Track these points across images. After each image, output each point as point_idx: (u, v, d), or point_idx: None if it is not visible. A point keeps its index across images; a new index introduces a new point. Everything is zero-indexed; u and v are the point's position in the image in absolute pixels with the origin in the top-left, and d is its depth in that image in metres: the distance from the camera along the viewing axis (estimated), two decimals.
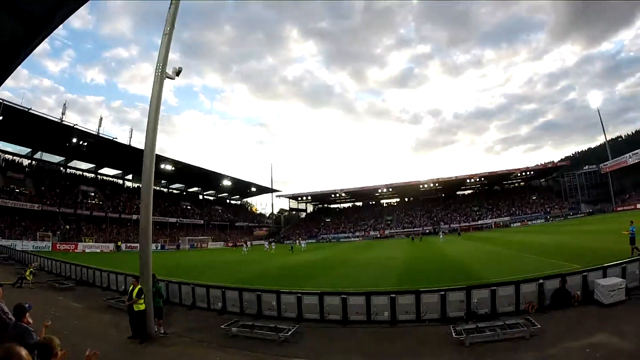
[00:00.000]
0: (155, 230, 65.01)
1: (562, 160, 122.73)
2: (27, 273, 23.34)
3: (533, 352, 9.33)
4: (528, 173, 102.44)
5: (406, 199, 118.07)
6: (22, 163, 67.96)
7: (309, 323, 13.18)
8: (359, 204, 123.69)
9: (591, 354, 8.62)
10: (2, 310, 5.98)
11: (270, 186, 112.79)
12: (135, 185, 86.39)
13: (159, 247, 67.58)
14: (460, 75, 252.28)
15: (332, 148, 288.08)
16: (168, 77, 13.54)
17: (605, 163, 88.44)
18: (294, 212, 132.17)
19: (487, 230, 79.33)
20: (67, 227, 61.13)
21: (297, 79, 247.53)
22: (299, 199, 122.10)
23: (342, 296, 13.30)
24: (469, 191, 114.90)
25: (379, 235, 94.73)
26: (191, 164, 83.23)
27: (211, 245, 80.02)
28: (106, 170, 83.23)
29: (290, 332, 11.78)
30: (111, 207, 72.31)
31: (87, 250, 55.19)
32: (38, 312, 9.50)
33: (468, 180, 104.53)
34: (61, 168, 74.72)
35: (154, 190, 14.52)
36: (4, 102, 46.55)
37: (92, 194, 72.32)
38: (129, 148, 68.78)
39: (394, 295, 12.80)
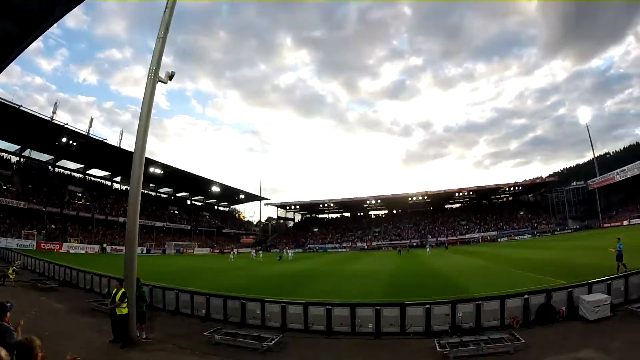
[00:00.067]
0: (141, 233, 64.62)
1: (550, 175, 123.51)
2: (10, 271, 23.19)
3: None
4: (516, 188, 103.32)
5: (394, 211, 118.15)
6: (10, 160, 67.61)
7: (293, 333, 13.11)
8: (347, 214, 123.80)
9: None
10: None
11: (259, 194, 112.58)
12: (124, 187, 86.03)
13: (145, 251, 67.09)
14: (451, 89, 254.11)
15: (323, 158, 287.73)
16: (161, 81, 13.50)
17: (593, 179, 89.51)
18: (281, 221, 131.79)
19: (475, 245, 79.45)
20: (53, 226, 60.60)
21: (289, 87, 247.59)
22: (288, 207, 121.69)
23: (327, 307, 13.25)
24: (457, 205, 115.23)
25: (366, 247, 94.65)
26: (180, 168, 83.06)
27: (197, 251, 79.62)
28: (95, 171, 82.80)
29: (273, 342, 11.69)
30: (98, 209, 71.81)
31: (71, 251, 54.70)
32: (19, 311, 9.38)
33: (457, 194, 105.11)
34: (49, 167, 74.26)
35: (142, 193, 14.41)
36: None
37: (80, 195, 71.94)
38: (118, 150, 68.44)
39: (379, 307, 12.78)
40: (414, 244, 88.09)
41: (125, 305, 11.92)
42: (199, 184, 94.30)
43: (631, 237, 22.70)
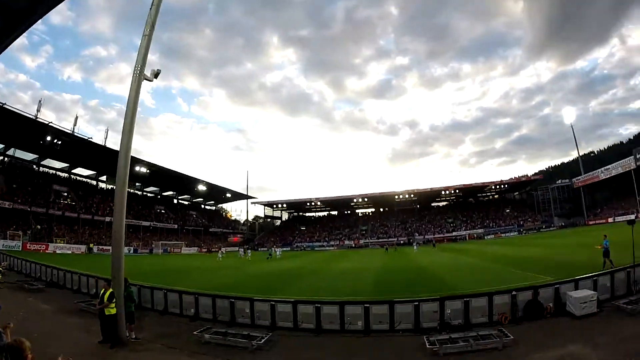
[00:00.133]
0: (128, 233, 64.16)
1: (535, 174, 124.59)
2: None
3: None
4: (502, 186, 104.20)
5: (381, 209, 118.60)
6: None
7: (283, 331, 13.11)
8: (334, 213, 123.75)
9: None
10: None
11: (245, 193, 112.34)
12: (110, 186, 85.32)
13: (132, 251, 66.57)
14: (437, 88, 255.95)
15: (309, 156, 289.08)
16: (146, 79, 13.40)
17: (578, 178, 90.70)
18: (269, 220, 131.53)
19: (461, 242, 79.96)
20: (39, 227, 59.91)
21: (275, 85, 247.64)
22: (275, 206, 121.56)
23: (316, 305, 13.26)
24: (444, 203, 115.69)
25: (353, 245, 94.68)
26: (166, 167, 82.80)
27: (185, 251, 79.32)
28: (80, 171, 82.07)
29: (263, 340, 11.72)
30: (84, 208, 71.20)
31: (58, 251, 54.05)
32: (6, 313, 9.30)
33: (443, 192, 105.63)
34: (34, 166, 73.46)
35: (128, 192, 14.35)
36: None
37: (65, 194, 71.20)
38: (104, 149, 68.00)
39: (367, 305, 12.83)
40: (402, 241, 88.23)
41: (113, 305, 11.85)
42: (185, 182, 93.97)
43: (616, 234, 22.89)
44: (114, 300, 11.88)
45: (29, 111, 59.46)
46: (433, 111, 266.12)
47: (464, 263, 32.41)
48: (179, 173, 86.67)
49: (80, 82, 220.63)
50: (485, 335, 10.90)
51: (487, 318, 12.55)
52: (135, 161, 68.66)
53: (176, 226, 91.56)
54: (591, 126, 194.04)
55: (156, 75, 13.77)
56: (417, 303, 12.67)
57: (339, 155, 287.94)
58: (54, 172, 77.25)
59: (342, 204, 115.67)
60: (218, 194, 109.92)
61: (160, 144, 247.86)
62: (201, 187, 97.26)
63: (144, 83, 13.44)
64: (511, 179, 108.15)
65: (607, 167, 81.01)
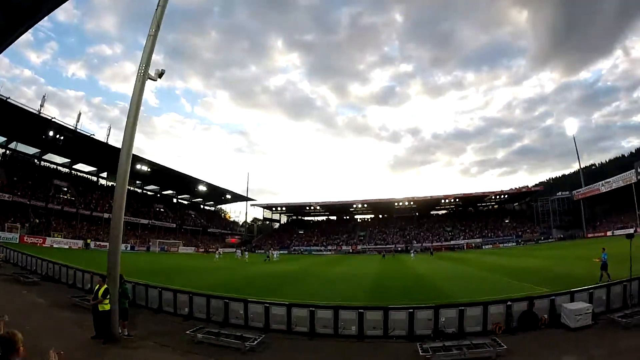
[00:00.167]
0: (126, 230, 63.97)
1: (536, 185, 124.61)
2: None
3: None
4: (502, 196, 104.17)
5: (380, 216, 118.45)
6: None
7: (276, 334, 13.12)
8: (333, 218, 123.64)
9: None
10: None
11: (245, 194, 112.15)
12: (110, 183, 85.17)
13: (129, 248, 66.45)
14: (440, 96, 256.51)
15: (310, 160, 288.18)
16: (150, 79, 13.46)
17: (578, 190, 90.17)
18: (267, 222, 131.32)
19: (459, 251, 79.77)
20: (37, 220, 59.89)
21: (279, 89, 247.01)
22: (274, 209, 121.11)
23: (310, 309, 13.27)
24: (443, 211, 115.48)
25: (351, 251, 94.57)
26: (167, 166, 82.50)
27: (182, 250, 79.11)
28: (81, 166, 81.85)
29: (256, 342, 11.71)
30: (83, 204, 71.12)
31: (55, 246, 53.90)
32: (0, 306, 9.30)
33: (443, 201, 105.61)
34: (36, 160, 73.13)
35: (128, 190, 14.32)
36: None
37: (65, 189, 71.13)
38: (106, 146, 67.82)
39: (362, 311, 12.83)
40: (399, 248, 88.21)
41: (107, 301, 11.88)
42: (185, 182, 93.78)
43: (614, 247, 22.88)
44: (109, 296, 11.90)
45: (33, 106, 59.63)
46: (436, 119, 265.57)
47: (460, 272, 32.42)
48: (180, 173, 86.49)
49: (85, 80, 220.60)
50: (479, 344, 10.90)
51: (481, 327, 12.55)
52: (137, 159, 68.49)
53: (174, 225, 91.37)
54: (593, 138, 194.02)
55: (160, 75, 13.81)
56: (411, 310, 12.69)
57: (341, 161, 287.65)
58: (55, 167, 77.16)
59: (341, 209, 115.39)
60: (218, 194, 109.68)
61: (163, 144, 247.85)
62: (201, 188, 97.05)
63: (148, 82, 13.50)
64: (511, 189, 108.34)
65: (608, 180, 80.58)
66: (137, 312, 15.59)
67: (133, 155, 13.76)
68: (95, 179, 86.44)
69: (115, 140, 70.63)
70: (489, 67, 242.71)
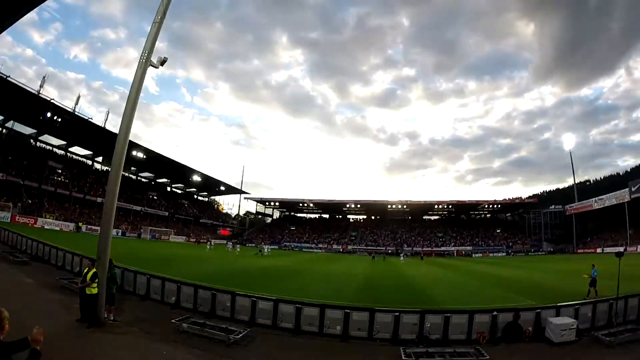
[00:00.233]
0: (118, 216, 63.94)
1: (529, 197, 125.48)
2: None
3: None
4: (495, 206, 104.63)
5: (373, 217, 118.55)
6: None
7: (261, 328, 13.14)
8: (326, 216, 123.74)
9: None
10: None
11: (239, 187, 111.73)
12: (104, 168, 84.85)
13: (120, 234, 66.31)
14: (441, 102, 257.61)
15: (307, 158, 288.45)
16: (152, 66, 13.47)
17: (571, 205, 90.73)
18: (259, 216, 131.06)
19: (449, 257, 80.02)
20: (30, 201, 59.67)
21: (280, 84, 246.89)
22: (267, 203, 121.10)
23: (297, 305, 13.29)
24: (436, 217, 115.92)
25: (341, 250, 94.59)
26: (163, 154, 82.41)
27: (173, 239, 78.64)
28: (77, 149, 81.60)
29: (240, 335, 11.74)
30: (77, 187, 70.95)
31: (46, 227, 53.76)
32: None
33: (436, 206, 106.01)
34: (32, 140, 72.92)
35: (122, 176, 14.36)
36: None
37: (60, 171, 70.95)
38: (103, 130, 67.61)
39: (348, 311, 12.86)
40: (389, 251, 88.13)
41: (95, 285, 11.89)
42: (180, 171, 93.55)
43: (604, 265, 23.02)
44: (97, 280, 11.90)
45: (33, 86, 58.97)
46: (434, 125, 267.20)
47: (449, 278, 32.55)
48: (175, 161, 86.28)
49: (87, 63, 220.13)
50: (462, 353, 10.96)
51: (465, 335, 12.56)
52: (133, 145, 68.50)
53: (167, 214, 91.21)
54: (590, 154, 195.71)
55: (162, 62, 13.83)
56: (397, 314, 12.70)
57: (337, 160, 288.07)
58: (50, 148, 76.87)
59: (334, 208, 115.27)
60: (212, 185, 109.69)
61: (160, 132, 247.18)
62: (196, 178, 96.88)
63: (150, 69, 13.51)
64: (505, 199, 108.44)
65: (601, 197, 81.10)
66: (124, 298, 15.60)
67: (129, 141, 13.75)
68: (90, 163, 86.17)
69: (113, 125, 70.36)
70: (491, 77, 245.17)
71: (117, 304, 13.52)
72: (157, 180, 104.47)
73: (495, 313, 12.92)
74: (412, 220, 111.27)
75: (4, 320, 3.97)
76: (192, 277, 20.33)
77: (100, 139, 69.21)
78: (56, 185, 66.88)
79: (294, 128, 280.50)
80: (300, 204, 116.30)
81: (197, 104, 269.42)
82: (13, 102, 56.02)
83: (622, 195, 74.46)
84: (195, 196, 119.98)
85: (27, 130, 70.80)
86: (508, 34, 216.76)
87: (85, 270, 12.29)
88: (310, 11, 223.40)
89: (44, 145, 75.76)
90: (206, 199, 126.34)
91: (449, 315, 12.74)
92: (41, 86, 59.87)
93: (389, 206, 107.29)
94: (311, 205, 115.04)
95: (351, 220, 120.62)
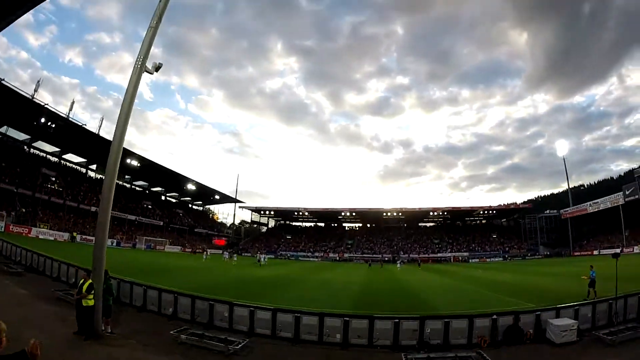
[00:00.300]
0: (112, 225, 63.62)
1: (524, 202, 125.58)
2: None
3: None
4: (491, 212, 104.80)
5: (369, 225, 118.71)
6: None
7: (260, 338, 13.01)
8: (322, 224, 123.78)
9: None
10: None
11: (234, 196, 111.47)
12: (99, 176, 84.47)
13: (115, 244, 65.80)
14: (435, 110, 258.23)
15: (301, 166, 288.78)
16: (147, 71, 13.37)
17: (566, 209, 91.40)
18: (255, 225, 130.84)
19: (446, 264, 79.85)
20: (23, 209, 59.23)
21: (274, 92, 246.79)
22: (262, 212, 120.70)
23: (296, 314, 13.19)
24: (431, 224, 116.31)
25: (337, 258, 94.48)
26: (158, 162, 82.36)
27: (168, 249, 78.44)
28: (71, 157, 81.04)
29: (240, 345, 11.64)
30: (71, 196, 70.45)
31: (40, 236, 53.31)
32: None
33: (431, 213, 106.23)
34: (25, 147, 72.26)
35: (117, 184, 14.25)
36: None
37: (53, 179, 70.30)
38: (97, 137, 67.32)
39: (347, 319, 12.77)
40: (386, 258, 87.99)
41: (91, 297, 11.72)
42: (175, 180, 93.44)
43: (600, 266, 23.08)
44: (93, 291, 11.74)
45: (27, 90, 58.70)
46: (428, 133, 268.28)
47: (447, 284, 32.54)
48: (170, 170, 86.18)
49: (81, 67, 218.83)
50: (463, 357, 10.99)
51: (466, 340, 12.58)
52: (127, 153, 68.31)
53: (162, 223, 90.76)
54: (583, 160, 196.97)
55: (157, 68, 13.74)
56: (397, 320, 12.66)
57: (331, 168, 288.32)
58: (44, 155, 76.20)
59: (329, 216, 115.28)
60: (207, 194, 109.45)
61: (154, 139, 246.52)
62: (190, 187, 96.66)
63: (144, 75, 13.40)
64: (500, 205, 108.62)
65: (596, 200, 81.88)
66: (121, 310, 15.42)
67: (124, 149, 13.65)
68: (84, 170, 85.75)
69: (107, 132, 70.07)
70: (484, 85, 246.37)
71: (114, 316, 13.37)
72: (152, 189, 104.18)
73: (495, 317, 12.98)
74: (407, 227, 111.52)
75: (1, 333, 3.88)
76: (190, 287, 20.18)
77: (94, 146, 68.77)
78: (50, 194, 66.24)
79: (288, 136, 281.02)
80: (296, 213, 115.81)
81: (192, 111, 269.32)
82: (7, 107, 55.18)
83: (616, 199, 75.24)
84: (190, 205, 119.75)
85: (21, 136, 70.09)
86: (501, 43, 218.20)
87: (81, 282, 12.12)
88: (306, 18, 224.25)
89: (37, 152, 75.14)
90: (201, 208, 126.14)
91: (448, 320, 12.75)
92: (36, 90, 59.63)
93: (385, 214, 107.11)
94: (306, 213, 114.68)
95: (347, 228, 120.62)
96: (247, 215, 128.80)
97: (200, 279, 28.47)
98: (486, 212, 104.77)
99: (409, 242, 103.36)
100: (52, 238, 55.13)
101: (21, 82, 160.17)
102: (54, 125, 59.62)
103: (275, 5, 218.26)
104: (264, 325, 13.37)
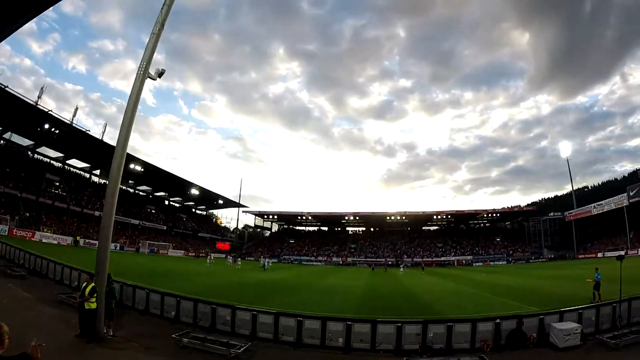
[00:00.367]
0: (116, 230, 63.75)
1: (528, 205, 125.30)
2: None
3: None
4: (494, 215, 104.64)
5: (372, 229, 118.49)
6: None
7: (262, 342, 12.99)
8: (325, 228, 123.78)
9: None
10: None
11: (238, 201, 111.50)
12: (102, 181, 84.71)
13: (118, 248, 66.06)
14: (438, 113, 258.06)
15: (305, 170, 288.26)
16: (150, 78, 13.41)
17: (570, 211, 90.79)
18: (258, 230, 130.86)
19: (450, 267, 80.00)
20: (27, 214, 59.43)
21: (277, 97, 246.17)
22: (265, 217, 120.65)
23: (298, 318, 13.15)
24: (435, 227, 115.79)
25: (341, 262, 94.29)
26: (161, 167, 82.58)
27: (171, 253, 78.62)
28: (74, 162, 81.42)
29: (242, 349, 11.61)
30: (74, 200, 70.71)
31: (44, 240, 53.49)
32: None
33: (435, 217, 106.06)
34: (29, 152, 72.57)
35: (120, 189, 14.25)
36: None
37: (57, 184, 70.67)
38: (100, 143, 67.58)
39: (350, 323, 12.75)
40: (389, 262, 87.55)
41: (94, 300, 11.74)
42: (178, 185, 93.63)
43: (605, 269, 22.96)
44: (95, 294, 11.76)
45: (30, 97, 58.86)
46: (431, 136, 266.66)
47: (450, 288, 32.44)
48: (173, 175, 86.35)
49: (84, 74, 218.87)
50: None
51: (469, 344, 12.50)
52: (131, 158, 68.32)
53: (165, 227, 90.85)
54: (587, 161, 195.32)
55: (160, 74, 13.77)
56: (400, 324, 12.61)
57: (335, 172, 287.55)
58: (48, 160, 76.60)
59: (333, 220, 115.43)
60: (210, 199, 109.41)
61: (157, 144, 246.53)
62: (194, 191, 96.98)
63: (147, 81, 13.45)
64: (504, 208, 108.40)
65: (600, 202, 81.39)
66: (124, 313, 15.46)
67: (127, 154, 13.67)
68: (87, 175, 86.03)
69: (111, 137, 70.53)
70: (487, 87, 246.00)
71: (116, 319, 13.38)
72: (155, 194, 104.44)
73: (498, 321, 12.90)
74: (411, 231, 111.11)
75: (4, 335, 3.91)
76: (192, 291, 20.19)
77: (97, 152, 69.18)
78: (54, 198, 66.55)
79: (291, 141, 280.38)
80: (299, 217, 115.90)
81: (195, 116, 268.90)
82: (11, 113, 55.80)
83: (620, 200, 74.74)
84: (194, 210, 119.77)
85: (25, 142, 70.54)
86: (503, 44, 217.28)
87: (84, 285, 12.15)
88: (308, 23, 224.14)
89: (41, 157, 75.52)
90: (204, 213, 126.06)
91: (451, 324, 12.69)
92: (39, 97, 59.82)
93: (388, 217, 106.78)
94: (310, 218, 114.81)
95: (350, 232, 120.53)
96: (250, 220, 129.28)
97: (203, 283, 28.45)
98: (490, 215, 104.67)
99: (413, 245, 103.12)
100: (55, 242, 55.41)
101: (25, 89, 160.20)
102: (57, 131, 59.85)
103: (277, 10, 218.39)
104: (266, 329, 13.35)
